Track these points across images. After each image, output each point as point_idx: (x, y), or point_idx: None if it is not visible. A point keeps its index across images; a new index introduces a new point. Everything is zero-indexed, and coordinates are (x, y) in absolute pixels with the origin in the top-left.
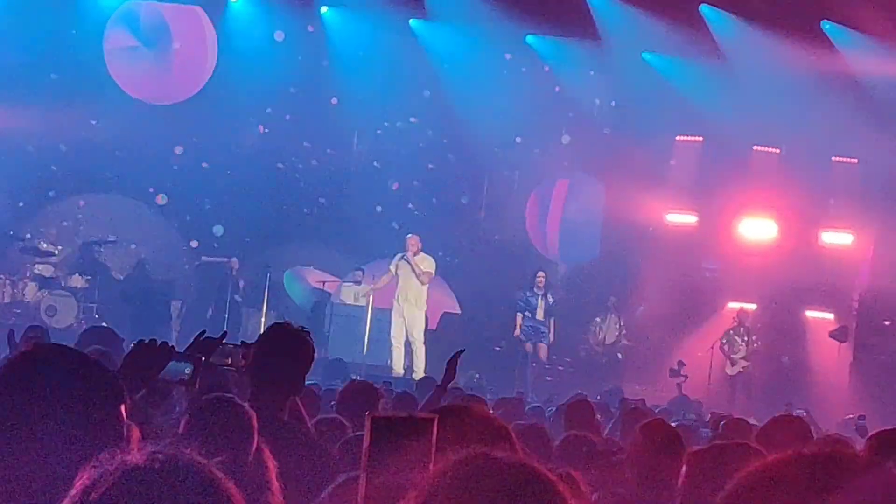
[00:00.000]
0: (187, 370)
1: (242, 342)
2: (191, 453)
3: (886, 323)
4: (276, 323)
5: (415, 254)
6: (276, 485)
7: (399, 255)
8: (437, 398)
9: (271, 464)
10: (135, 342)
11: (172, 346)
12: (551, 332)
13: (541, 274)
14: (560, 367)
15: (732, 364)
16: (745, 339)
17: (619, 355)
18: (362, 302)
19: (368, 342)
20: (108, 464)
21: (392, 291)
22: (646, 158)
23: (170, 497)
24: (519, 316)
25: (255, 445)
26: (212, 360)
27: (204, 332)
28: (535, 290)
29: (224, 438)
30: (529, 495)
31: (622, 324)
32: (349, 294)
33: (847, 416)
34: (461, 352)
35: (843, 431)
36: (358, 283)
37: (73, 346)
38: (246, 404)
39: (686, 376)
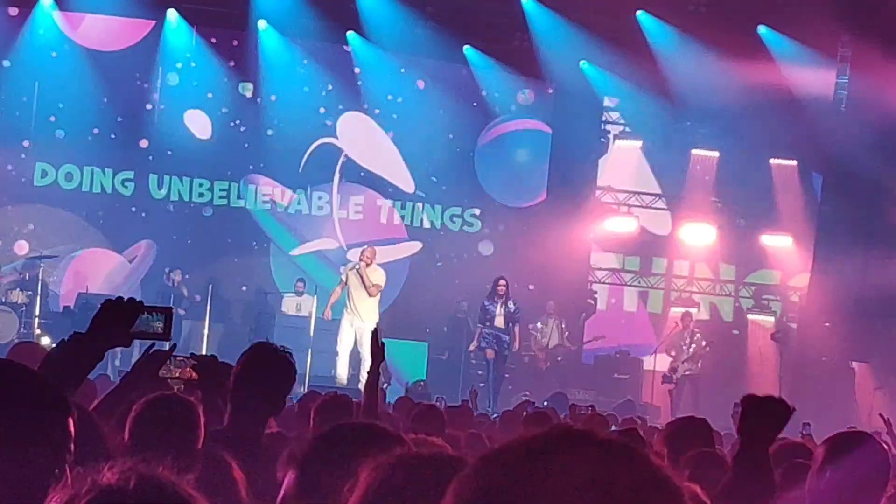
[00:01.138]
0: (159, 323)
1: (192, 354)
2: (164, 472)
3: (826, 325)
4: (258, 342)
5: (367, 265)
6: (244, 499)
7: (351, 264)
8: (371, 390)
9: (239, 477)
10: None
11: (141, 301)
12: (516, 340)
13: (501, 281)
14: (506, 375)
15: (674, 370)
16: (690, 342)
17: (560, 359)
18: (305, 313)
19: (312, 353)
20: (80, 483)
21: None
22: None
23: None
24: (478, 328)
25: (201, 441)
26: (161, 374)
27: (153, 344)
28: (495, 298)
29: (169, 435)
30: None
31: (564, 327)
32: (291, 305)
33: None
34: (377, 329)
35: (787, 436)
36: (300, 293)
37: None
38: (189, 398)
39: (678, 383)
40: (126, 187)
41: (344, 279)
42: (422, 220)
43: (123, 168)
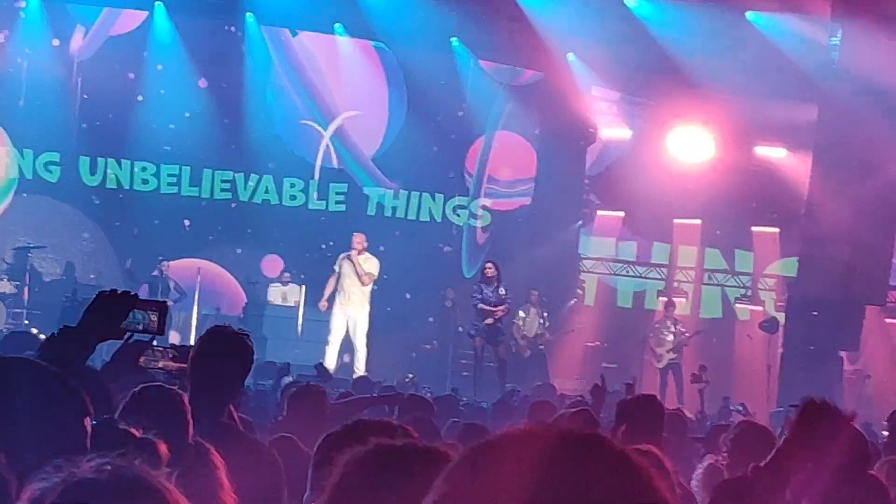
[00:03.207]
0: (153, 317)
1: (172, 345)
2: (139, 465)
3: (815, 314)
4: (215, 326)
5: (359, 253)
6: (227, 484)
7: (343, 254)
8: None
9: (220, 463)
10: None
11: (135, 294)
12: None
13: (489, 265)
14: (490, 364)
15: (658, 358)
16: (673, 331)
17: (541, 348)
18: (292, 302)
19: (301, 342)
20: (55, 475)
21: (321, 290)
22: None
23: None
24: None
25: (190, 433)
26: (142, 363)
27: (132, 335)
28: (486, 282)
29: (160, 426)
30: (428, 472)
31: (545, 317)
32: (277, 295)
33: (777, 409)
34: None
35: (775, 424)
36: (285, 283)
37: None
38: (176, 388)
39: (708, 381)
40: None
41: (337, 269)
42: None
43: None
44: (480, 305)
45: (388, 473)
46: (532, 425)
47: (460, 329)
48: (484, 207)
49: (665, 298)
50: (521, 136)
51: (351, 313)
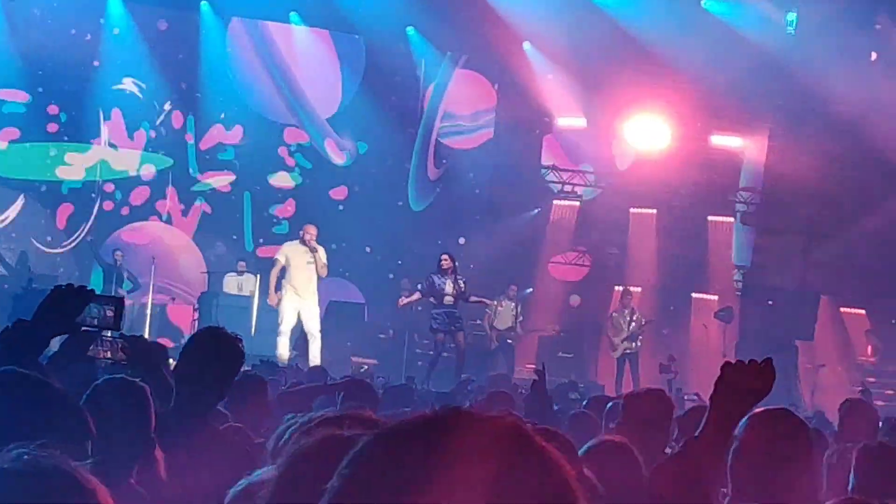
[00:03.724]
0: (109, 312)
1: (122, 335)
2: (57, 455)
3: (770, 303)
4: (208, 327)
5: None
6: (166, 480)
7: (290, 243)
8: None
9: (160, 456)
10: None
11: (92, 290)
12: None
13: (444, 257)
14: (445, 354)
15: (614, 348)
16: (630, 320)
17: (510, 342)
18: (247, 292)
19: (256, 332)
20: None
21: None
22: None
23: (35, 500)
24: (416, 294)
25: (153, 425)
26: (90, 354)
27: (80, 324)
28: (442, 274)
29: (122, 419)
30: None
31: (518, 311)
32: (233, 284)
33: None
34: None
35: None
36: (241, 273)
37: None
38: (138, 380)
39: (677, 372)
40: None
41: (283, 259)
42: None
43: None
44: (473, 298)
45: (330, 466)
46: (431, 411)
47: (419, 308)
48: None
49: (621, 288)
50: (478, 73)
51: (303, 303)
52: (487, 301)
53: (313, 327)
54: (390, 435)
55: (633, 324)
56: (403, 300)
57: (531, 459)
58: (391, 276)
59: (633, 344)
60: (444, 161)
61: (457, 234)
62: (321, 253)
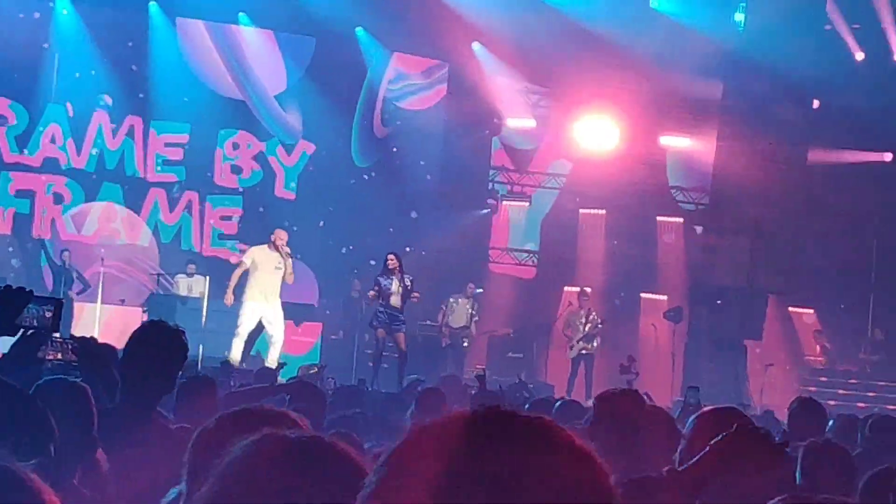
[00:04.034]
0: (48, 313)
1: (72, 336)
2: (4, 454)
3: (718, 302)
4: (150, 321)
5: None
6: (108, 479)
7: (259, 247)
8: None
9: (102, 457)
10: None
11: (31, 290)
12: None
13: (390, 256)
14: (385, 354)
15: (571, 347)
16: (586, 321)
17: (465, 342)
18: (197, 294)
19: (206, 334)
20: None
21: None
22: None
23: None
24: (372, 293)
25: (95, 427)
26: (39, 356)
27: (19, 325)
28: (388, 274)
29: (64, 420)
30: (317, 466)
31: (475, 311)
32: (183, 286)
33: (679, 398)
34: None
35: (676, 411)
36: (191, 275)
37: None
38: (79, 381)
39: (637, 373)
40: None
41: (248, 262)
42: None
43: None
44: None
45: (276, 466)
46: (463, 411)
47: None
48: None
49: (577, 288)
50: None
51: (267, 308)
52: (417, 293)
53: (276, 332)
54: (430, 432)
55: (590, 324)
56: (372, 293)
57: (570, 459)
58: (344, 250)
59: (590, 345)
60: (397, 122)
61: (409, 209)
62: (290, 260)
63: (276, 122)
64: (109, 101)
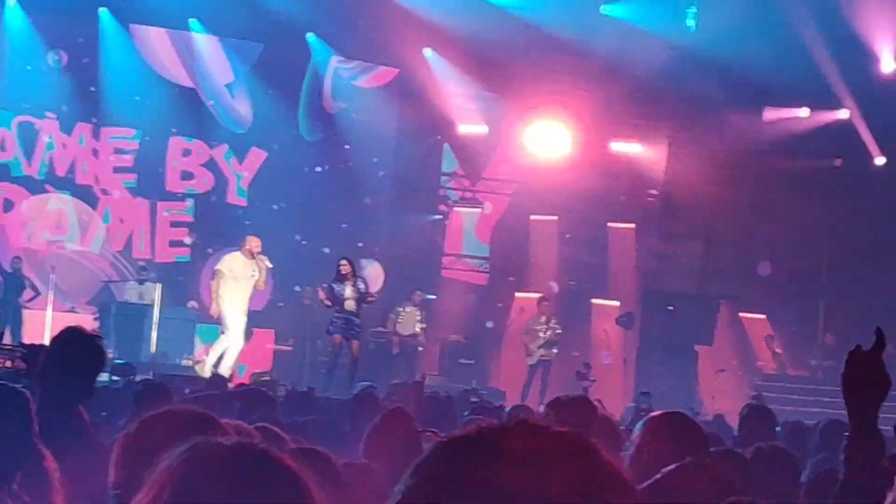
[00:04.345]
0: None
1: (21, 343)
2: None
3: (670, 308)
4: (68, 328)
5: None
6: (58, 487)
7: (232, 254)
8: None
9: (52, 465)
10: None
11: None
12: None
13: (343, 262)
14: (342, 361)
15: (530, 354)
16: (546, 328)
17: (420, 349)
18: (148, 301)
19: (158, 341)
20: None
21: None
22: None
23: None
24: (320, 291)
25: (35, 434)
26: None
27: None
28: (340, 280)
29: (3, 427)
30: (257, 476)
31: (422, 317)
32: (134, 293)
33: (631, 404)
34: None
35: (628, 417)
36: (141, 282)
37: None
38: (20, 387)
39: (594, 380)
40: None
41: (225, 270)
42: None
43: None
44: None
45: (211, 475)
46: (498, 421)
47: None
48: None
49: (531, 295)
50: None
51: (241, 317)
52: (374, 295)
53: (240, 339)
54: (459, 443)
55: (550, 331)
56: (322, 295)
57: (599, 474)
58: (298, 236)
59: (551, 351)
60: (348, 101)
61: (362, 195)
62: (265, 267)
63: (226, 112)
64: (64, 58)
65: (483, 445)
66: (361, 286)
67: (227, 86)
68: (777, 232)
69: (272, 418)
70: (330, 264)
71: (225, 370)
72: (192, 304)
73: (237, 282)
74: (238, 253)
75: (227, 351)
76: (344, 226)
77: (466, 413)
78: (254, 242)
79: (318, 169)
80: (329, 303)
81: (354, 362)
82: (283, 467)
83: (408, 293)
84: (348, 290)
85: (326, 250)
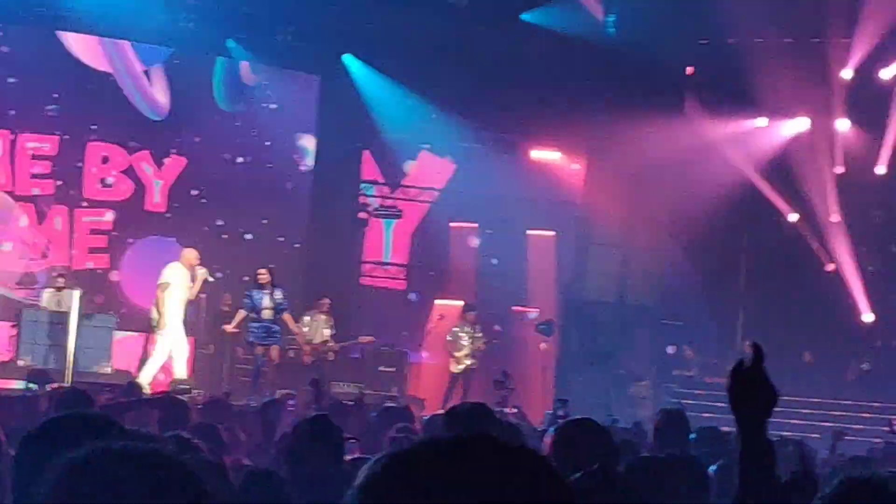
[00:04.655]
0: None
1: None
2: None
3: (589, 316)
4: None
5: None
6: None
7: (172, 265)
8: None
9: None
10: None
11: None
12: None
13: (261, 271)
14: (264, 369)
15: (458, 362)
16: (471, 335)
17: (331, 356)
18: (65, 308)
19: (75, 349)
20: None
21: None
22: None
23: None
24: (241, 313)
25: None
26: None
27: None
28: (259, 289)
29: None
30: (148, 479)
31: (331, 325)
32: (51, 300)
33: (549, 411)
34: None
35: (548, 425)
36: (59, 289)
37: None
38: None
39: (513, 388)
40: None
41: (170, 281)
42: None
43: None
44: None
45: (109, 479)
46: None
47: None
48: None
49: (449, 302)
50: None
51: (181, 323)
52: (295, 330)
53: (185, 347)
54: (408, 459)
55: (474, 339)
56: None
57: (552, 489)
58: (221, 222)
59: (474, 360)
60: (265, 81)
61: (284, 181)
62: (203, 280)
63: (143, 98)
64: None
65: (435, 464)
66: (279, 296)
67: (144, 73)
68: (695, 240)
69: (188, 425)
70: (251, 250)
71: (148, 378)
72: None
73: (178, 292)
74: (178, 263)
75: (169, 358)
76: (264, 221)
77: (374, 414)
78: (191, 255)
79: (240, 160)
80: (251, 313)
81: (273, 370)
82: (185, 471)
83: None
84: (266, 299)
85: (249, 236)
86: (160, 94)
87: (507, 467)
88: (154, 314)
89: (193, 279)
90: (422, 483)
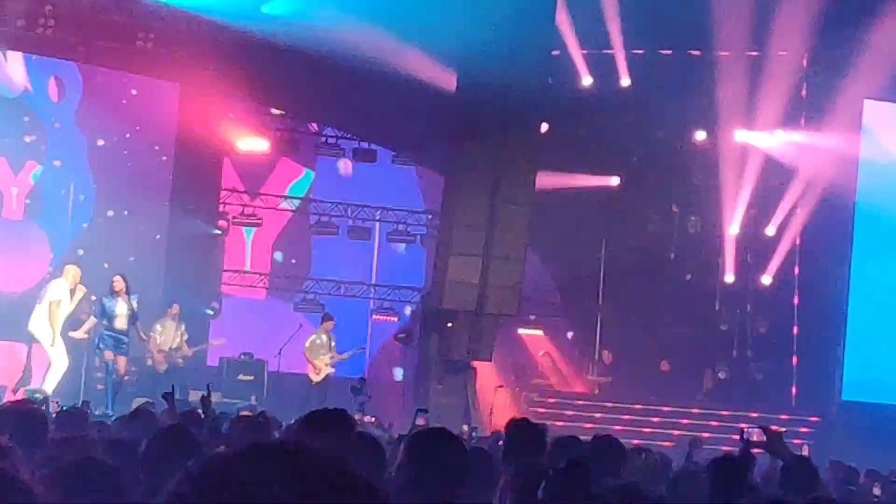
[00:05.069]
0: None
1: None
2: None
3: (449, 325)
4: None
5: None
6: None
7: (56, 281)
8: None
9: None
10: None
11: None
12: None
13: (116, 278)
14: (115, 377)
15: (318, 371)
16: (328, 347)
17: (180, 362)
18: None
19: None
20: None
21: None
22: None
23: None
24: (91, 320)
25: None
26: None
27: None
28: (113, 297)
29: None
30: None
31: (183, 330)
32: None
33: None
34: None
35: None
36: None
37: None
38: None
39: (370, 395)
40: None
41: (55, 298)
42: None
43: None
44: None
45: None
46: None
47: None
48: None
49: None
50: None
51: (61, 338)
52: (144, 338)
53: (65, 360)
54: (210, 469)
55: (332, 350)
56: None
57: (356, 494)
58: (111, 213)
59: (331, 369)
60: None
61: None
62: (80, 297)
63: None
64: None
65: (231, 472)
66: (134, 304)
67: None
68: (554, 248)
69: (40, 437)
70: (111, 230)
71: (51, 385)
72: None
73: (60, 308)
74: (62, 280)
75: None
76: (126, 212)
77: (226, 427)
78: (72, 272)
79: (101, 143)
80: (103, 321)
81: (121, 379)
82: (18, 483)
83: (187, 307)
84: (120, 306)
85: (111, 213)
86: (16, 73)
87: (298, 475)
88: (46, 329)
89: (72, 295)
90: (219, 491)
